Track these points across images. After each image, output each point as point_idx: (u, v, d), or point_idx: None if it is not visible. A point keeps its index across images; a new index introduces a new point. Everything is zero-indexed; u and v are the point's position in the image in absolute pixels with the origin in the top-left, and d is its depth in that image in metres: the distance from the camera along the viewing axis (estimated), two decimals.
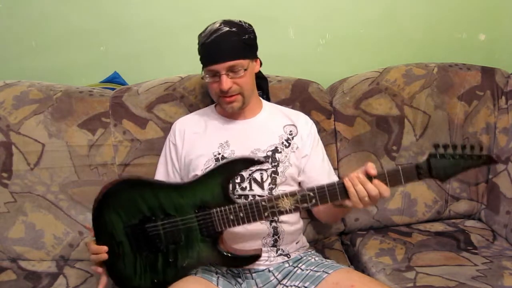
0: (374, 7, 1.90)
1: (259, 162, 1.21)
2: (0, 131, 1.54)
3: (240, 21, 1.32)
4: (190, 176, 1.37)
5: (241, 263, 1.25)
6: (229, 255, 1.21)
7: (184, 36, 1.84)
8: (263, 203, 1.16)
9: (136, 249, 1.21)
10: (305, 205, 1.15)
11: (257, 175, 1.33)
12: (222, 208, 1.18)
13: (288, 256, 1.34)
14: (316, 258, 1.35)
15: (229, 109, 1.34)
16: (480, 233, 1.63)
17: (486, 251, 1.51)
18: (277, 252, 1.32)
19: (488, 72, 1.75)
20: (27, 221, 1.54)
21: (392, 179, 1.12)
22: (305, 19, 1.88)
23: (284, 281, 1.28)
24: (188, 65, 1.81)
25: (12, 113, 1.55)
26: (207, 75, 1.31)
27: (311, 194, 1.14)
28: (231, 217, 1.18)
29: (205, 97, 1.61)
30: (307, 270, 1.27)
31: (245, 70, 1.30)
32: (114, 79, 1.86)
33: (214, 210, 1.18)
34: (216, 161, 1.34)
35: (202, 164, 1.35)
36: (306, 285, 1.22)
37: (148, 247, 1.21)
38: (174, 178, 1.42)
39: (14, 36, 1.81)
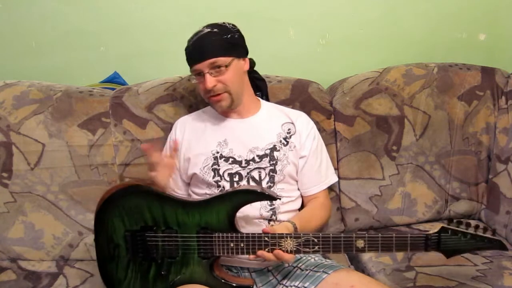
0: (374, 7, 1.90)
1: (272, 198, 1.22)
2: (0, 131, 1.54)
3: (223, 22, 1.36)
4: (189, 174, 1.38)
5: None
6: (222, 280, 1.21)
7: (184, 36, 1.83)
8: (266, 239, 1.16)
9: (132, 255, 1.22)
10: (307, 249, 1.17)
11: (255, 174, 1.34)
12: (225, 234, 1.18)
13: None
14: (316, 258, 1.35)
15: (218, 108, 1.36)
16: None
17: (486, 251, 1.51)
18: None
19: (488, 72, 1.75)
20: (27, 221, 1.54)
21: (398, 244, 1.14)
22: (305, 19, 1.88)
23: (284, 281, 1.28)
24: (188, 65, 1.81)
25: (12, 113, 1.55)
26: (193, 77, 1.35)
27: (315, 240, 1.16)
28: (231, 245, 1.18)
29: None
30: (306, 270, 1.27)
31: (226, 66, 1.31)
32: (114, 79, 1.86)
33: (216, 234, 1.18)
34: (214, 159, 1.35)
35: (200, 163, 1.36)
36: (306, 285, 1.22)
37: (143, 255, 1.21)
38: (174, 175, 1.41)
39: (14, 36, 1.81)
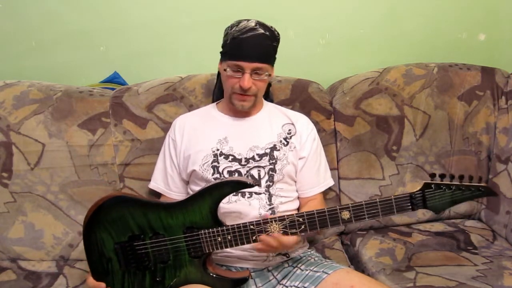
0: (374, 7, 1.90)
1: (249, 186, 1.21)
2: (0, 131, 1.54)
3: (271, 27, 1.33)
4: (188, 171, 1.38)
5: (229, 284, 1.23)
6: (217, 276, 1.21)
7: (184, 36, 1.85)
8: (251, 226, 1.17)
9: (125, 267, 1.22)
10: (294, 230, 1.16)
11: (254, 172, 1.34)
12: (210, 230, 1.18)
13: (287, 255, 1.34)
14: (316, 258, 1.35)
15: (239, 106, 1.35)
16: (480, 233, 1.63)
17: (486, 251, 1.51)
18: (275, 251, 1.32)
19: (488, 72, 1.75)
20: (27, 221, 1.54)
21: (384, 208, 1.14)
22: (305, 19, 1.88)
23: (284, 281, 1.28)
24: (188, 65, 1.82)
25: (12, 113, 1.55)
26: (228, 68, 1.31)
27: (300, 220, 1.16)
28: (219, 239, 1.18)
29: (205, 98, 1.61)
30: (306, 270, 1.27)
31: (269, 75, 1.32)
32: (114, 79, 1.86)
33: (202, 231, 1.19)
34: (214, 156, 1.35)
35: (200, 159, 1.36)
36: (306, 285, 1.22)
37: (136, 265, 1.21)
38: (172, 173, 1.43)
39: (14, 36, 1.81)
